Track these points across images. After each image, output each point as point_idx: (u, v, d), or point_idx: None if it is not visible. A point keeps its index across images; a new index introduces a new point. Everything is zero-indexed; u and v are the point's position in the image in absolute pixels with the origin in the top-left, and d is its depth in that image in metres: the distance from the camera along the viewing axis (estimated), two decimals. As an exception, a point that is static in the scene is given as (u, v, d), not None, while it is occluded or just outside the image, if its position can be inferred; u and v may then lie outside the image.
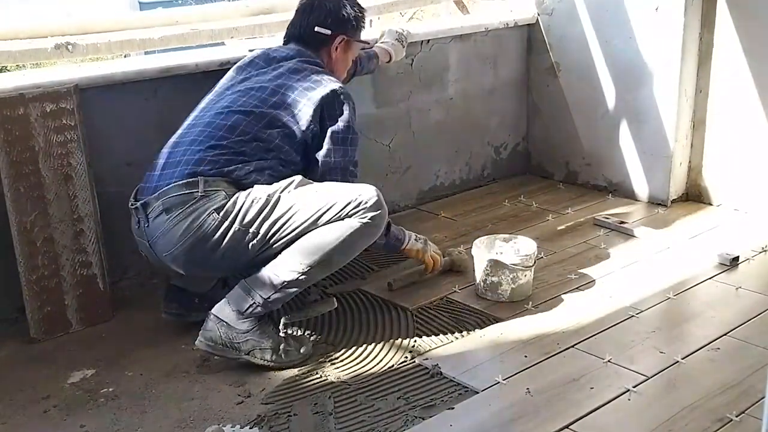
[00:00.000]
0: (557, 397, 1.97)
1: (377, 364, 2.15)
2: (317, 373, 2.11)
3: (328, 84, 2.26)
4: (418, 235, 2.56)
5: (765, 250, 2.80)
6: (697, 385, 2.00)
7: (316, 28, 2.35)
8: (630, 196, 3.38)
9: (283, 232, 2.08)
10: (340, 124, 2.25)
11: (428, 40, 3.26)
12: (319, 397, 2.00)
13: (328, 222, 2.08)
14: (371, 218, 2.11)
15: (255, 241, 2.08)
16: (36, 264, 2.29)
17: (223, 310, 2.11)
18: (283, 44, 2.44)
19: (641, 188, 3.35)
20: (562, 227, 3.09)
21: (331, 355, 2.20)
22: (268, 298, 2.09)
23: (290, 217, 2.08)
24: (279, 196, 2.09)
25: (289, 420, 1.91)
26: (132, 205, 2.17)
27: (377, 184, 3.19)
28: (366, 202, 2.11)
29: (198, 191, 2.08)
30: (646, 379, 2.03)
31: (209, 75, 2.61)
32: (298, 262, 2.07)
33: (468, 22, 3.49)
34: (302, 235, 2.08)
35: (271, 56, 2.35)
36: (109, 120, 2.49)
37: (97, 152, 2.43)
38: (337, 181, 2.24)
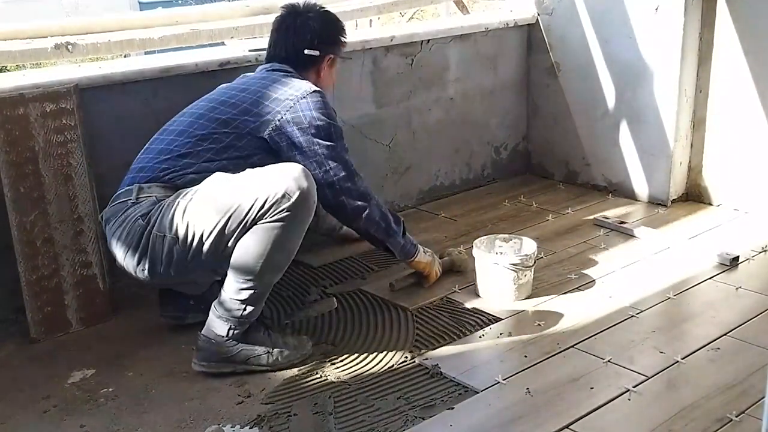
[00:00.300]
0: (557, 397, 1.96)
1: (377, 364, 2.15)
2: (317, 373, 2.11)
3: (293, 85, 2.21)
4: (426, 249, 2.53)
5: (765, 250, 2.79)
6: (697, 385, 2.00)
7: (306, 51, 2.31)
8: (630, 196, 3.38)
9: (198, 237, 2.01)
10: (319, 123, 2.17)
11: (428, 40, 3.26)
12: (319, 397, 2.00)
13: (238, 227, 1.98)
14: (287, 209, 1.96)
15: (176, 247, 2.02)
16: (36, 264, 2.29)
17: (209, 332, 2.09)
18: (266, 62, 2.38)
19: (641, 188, 3.35)
20: (562, 227, 3.09)
21: (331, 355, 2.20)
22: (241, 316, 2.06)
23: (198, 220, 2.00)
24: (191, 198, 2.02)
25: (289, 420, 1.90)
26: (99, 219, 2.21)
27: (377, 184, 3.24)
28: (275, 195, 1.95)
29: (130, 199, 2.08)
30: (646, 379, 2.03)
31: (209, 75, 2.62)
32: (244, 279, 2.01)
33: (468, 22, 3.49)
34: (222, 242, 2.00)
35: (244, 76, 2.36)
36: (109, 120, 2.49)
37: (97, 152, 2.43)
38: (341, 183, 2.20)
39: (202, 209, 2.01)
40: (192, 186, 2.08)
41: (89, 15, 2.99)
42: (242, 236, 2.00)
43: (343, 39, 2.42)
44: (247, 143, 2.15)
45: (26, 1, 7.78)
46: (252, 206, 1.97)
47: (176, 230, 2.02)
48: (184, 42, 2.77)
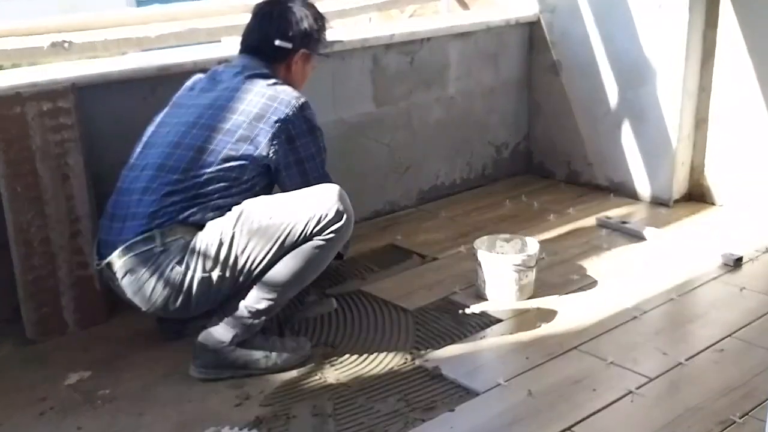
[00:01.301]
0: (559, 398, 1.95)
1: (377, 365, 2.13)
2: (316, 375, 2.09)
3: (282, 101, 2.11)
4: None
5: (768, 250, 2.78)
6: (701, 386, 1.99)
7: (277, 42, 2.19)
8: (632, 195, 3.36)
9: (249, 266, 2.02)
10: (308, 147, 2.14)
11: (429, 38, 3.24)
12: (318, 399, 1.98)
13: (293, 245, 2.01)
14: (335, 230, 2.02)
15: (225, 281, 2.03)
16: (32, 264, 2.27)
17: (208, 339, 2.08)
18: (239, 52, 2.29)
19: (644, 188, 3.33)
20: (564, 227, 3.07)
21: (331, 357, 2.18)
22: (250, 325, 2.06)
23: (252, 251, 2.01)
24: (233, 233, 2.01)
25: (288, 422, 1.89)
26: (97, 265, 2.10)
27: (377, 183, 3.22)
28: (326, 215, 2.01)
29: (156, 245, 2.00)
30: (649, 381, 2.01)
31: (208, 73, 2.60)
32: (272, 290, 2.03)
33: (469, 20, 3.47)
34: (271, 263, 2.02)
35: (217, 79, 2.21)
36: (106, 119, 2.47)
37: (95, 152, 2.41)
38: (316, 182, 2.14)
39: (252, 240, 2.01)
40: (214, 219, 2.04)
41: (86, 12, 2.97)
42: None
43: (321, 35, 2.29)
44: (250, 172, 2.10)
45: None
46: (306, 226, 2.01)
47: (224, 267, 2.01)
48: (181, 40, 2.76)
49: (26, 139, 2.22)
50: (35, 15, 3.22)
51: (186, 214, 2.03)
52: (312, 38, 2.26)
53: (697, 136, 3.24)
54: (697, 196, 3.30)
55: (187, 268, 2.00)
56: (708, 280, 2.59)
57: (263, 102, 2.11)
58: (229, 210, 2.05)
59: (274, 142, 2.09)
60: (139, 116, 2.51)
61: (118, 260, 2.02)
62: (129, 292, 2.06)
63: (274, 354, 2.10)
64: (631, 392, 1.96)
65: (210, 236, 2.01)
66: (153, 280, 2.01)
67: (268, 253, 2.01)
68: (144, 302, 2.05)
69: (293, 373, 2.10)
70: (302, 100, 2.14)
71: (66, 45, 2.48)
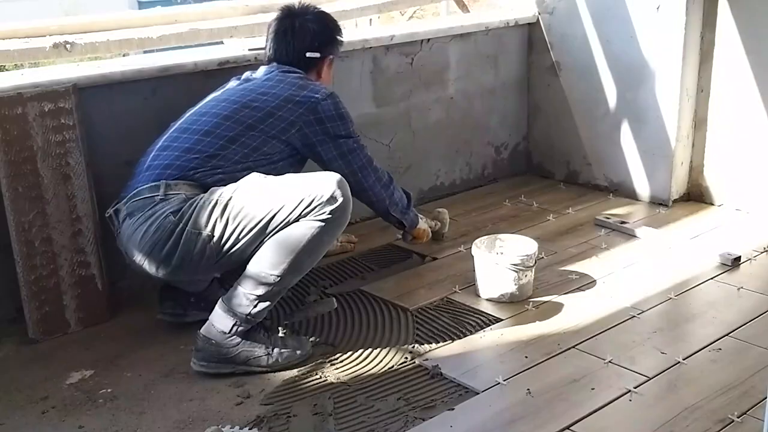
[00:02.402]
0: (558, 397, 1.96)
1: (377, 364, 2.14)
2: (317, 374, 2.10)
3: (312, 89, 2.27)
4: (420, 215, 2.73)
5: (767, 251, 2.79)
6: (699, 385, 2.00)
7: (308, 54, 2.35)
8: (631, 195, 3.37)
9: (237, 234, 2.03)
10: (338, 128, 2.29)
11: (428, 39, 3.25)
12: (318, 398, 1.99)
13: (281, 224, 2.02)
14: (330, 212, 2.02)
15: (211, 244, 2.04)
16: (34, 264, 2.28)
17: (210, 330, 2.09)
18: (267, 64, 2.41)
19: (642, 188, 3.34)
20: (563, 227, 3.08)
21: (331, 356, 2.19)
22: (249, 314, 2.07)
23: (241, 220, 2.03)
24: (231, 196, 2.05)
25: (289, 421, 1.90)
26: (107, 214, 2.17)
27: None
28: (321, 197, 2.02)
29: (158, 195, 2.07)
30: (647, 380, 2.02)
31: (208, 74, 2.61)
32: (268, 273, 2.03)
33: (468, 21, 3.48)
34: (260, 237, 2.04)
35: (250, 79, 2.34)
36: (107, 119, 2.48)
37: (96, 152, 2.42)
38: (368, 176, 2.36)
39: (244, 208, 2.03)
40: (221, 185, 2.09)
41: (88, 14, 2.98)
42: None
43: (340, 39, 2.46)
44: (273, 146, 2.21)
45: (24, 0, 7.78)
46: (298, 204, 2.02)
47: (213, 228, 2.03)
48: (183, 41, 2.77)
49: (28, 139, 2.23)
50: (37, 16, 3.23)
51: (196, 171, 2.12)
52: (335, 43, 2.44)
53: (696, 137, 3.25)
54: (695, 196, 3.31)
55: (180, 220, 2.04)
56: (706, 279, 2.59)
57: (293, 90, 2.25)
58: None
59: (301, 120, 2.22)
60: (140, 117, 2.53)
61: (123, 206, 2.11)
62: (124, 238, 2.11)
63: (275, 351, 2.11)
64: (629, 391, 1.97)
65: (208, 196, 2.07)
66: (146, 224, 2.05)
67: (256, 226, 2.02)
68: (134, 247, 2.09)
69: (294, 372, 2.11)
70: (331, 90, 2.30)
71: (68, 46, 2.49)
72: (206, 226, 2.04)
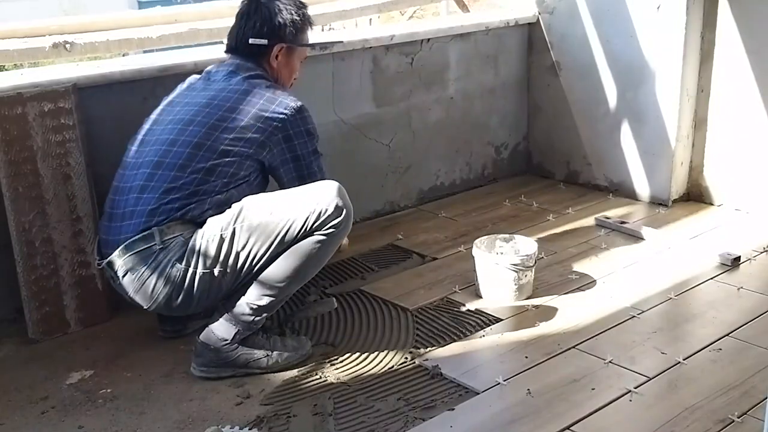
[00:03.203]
0: (558, 398, 1.96)
1: (377, 364, 2.14)
2: (317, 374, 2.10)
3: (280, 103, 2.12)
4: None
5: (766, 251, 2.79)
6: (699, 385, 1.99)
7: (251, 40, 2.17)
8: (631, 195, 3.37)
9: (250, 262, 2.01)
10: (305, 146, 2.15)
11: (428, 39, 3.25)
12: (318, 398, 1.99)
13: (293, 239, 2.00)
14: (335, 225, 2.01)
15: (226, 278, 2.02)
16: (34, 264, 2.28)
17: (209, 337, 2.08)
18: (225, 52, 2.27)
19: (642, 188, 3.34)
20: (563, 227, 3.08)
21: (331, 356, 2.19)
22: (251, 321, 2.07)
23: (252, 247, 2.00)
24: (233, 229, 2.01)
25: (289, 421, 1.90)
26: (98, 264, 2.11)
27: (377, 183, 3.22)
28: (326, 210, 2.00)
29: (155, 243, 2.00)
30: (648, 380, 2.02)
31: (208, 74, 2.60)
32: (273, 286, 2.04)
33: (469, 21, 3.48)
34: (273, 257, 2.02)
35: (211, 78, 2.20)
36: (107, 119, 2.48)
37: (96, 152, 2.42)
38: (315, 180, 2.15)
39: (251, 237, 2.00)
40: (214, 214, 2.04)
41: (87, 14, 2.98)
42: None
43: (295, 26, 2.21)
44: (248, 167, 2.11)
45: (24, -1, 7.78)
46: (306, 222, 2.00)
47: (225, 263, 2.01)
48: (182, 41, 2.77)
49: (27, 139, 2.23)
50: (37, 16, 3.23)
51: (184, 210, 2.03)
52: (286, 30, 2.20)
53: (696, 137, 3.24)
54: (695, 196, 3.31)
55: (188, 265, 2.01)
56: (706, 279, 2.59)
57: (261, 102, 2.11)
58: (228, 206, 2.05)
59: (271, 140, 2.10)
60: (139, 116, 2.52)
61: (118, 259, 2.03)
62: (130, 291, 2.06)
63: (275, 353, 2.11)
64: (629, 391, 1.97)
65: (210, 233, 2.01)
66: (154, 277, 2.01)
67: (269, 248, 2.01)
68: (146, 300, 2.06)
69: (294, 372, 2.11)
70: (300, 103, 2.15)
71: (67, 46, 2.49)
72: (217, 263, 2.00)
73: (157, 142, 2.11)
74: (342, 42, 2.90)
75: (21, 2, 7.69)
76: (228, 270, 2.02)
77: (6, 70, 2.68)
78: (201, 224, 2.04)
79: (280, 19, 2.18)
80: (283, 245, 2.02)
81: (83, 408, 1.99)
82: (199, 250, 2.01)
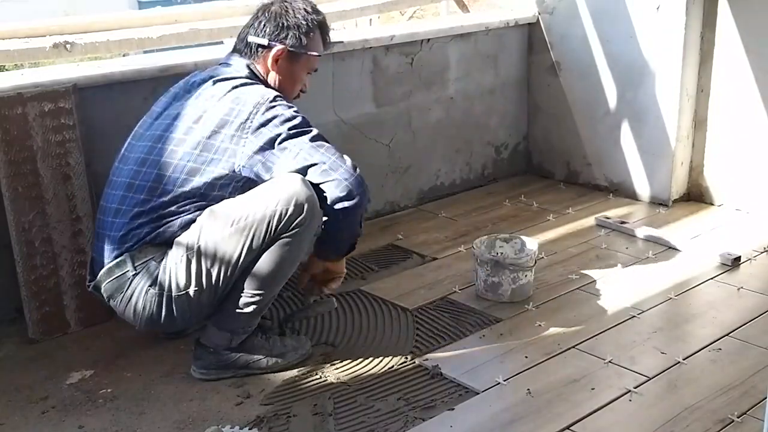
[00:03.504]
0: (558, 397, 1.96)
1: (377, 364, 2.14)
2: (317, 374, 2.10)
3: (246, 101, 1.98)
4: None
5: (767, 251, 2.79)
6: (699, 385, 2.00)
7: (250, 38, 2.09)
8: (631, 196, 3.37)
9: (224, 275, 1.97)
10: (277, 127, 1.96)
11: (428, 39, 3.25)
12: (318, 398, 1.99)
13: (261, 246, 1.95)
14: (298, 224, 1.94)
15: (203, 296, 1.99)
16: (34, 264, 2.28)
17: (207, 341, 2.08)
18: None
19: (642, 188, 3.34)
20: (563, 227, 3.08)
21: (331, 356, 2.19)
22: (243, 327, 2.06)
23: (221, 262, 1.96)
24: (198, 247, 1.95)
25: (289, 421, 1.90)
26: (88, 287, 2.11)
27: (377, 183, 3.22)
28: (287, 211, 1.92)
29: (128, 270, 1.98)
30: (647, 380, 2.02)
31: (208, 74, 2.60)
32: (255, 292, 2.01)
33: (469, 21, 3.48)
34: (247, 266, 1.98)
35: (191, 81, 2.12)
36: (107, 119, 2.48)
37: (96, 152, 2.42)
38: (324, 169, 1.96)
39: (217, 250, 1.96)
40: (182, 233, 1.99)
41: (88, 14, 2.98)
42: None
43: (301, 31, 2.09)
44: (222, 183, 2.00)
45: (24, 0, 7.78)
46: (269, 227, 1.94)
47: (198, 281, 1.98)
48: (183, 41, 2.77)
49: (27, 139, 2.23)
50: (37, 16, 3.23)
51: (154, 235, 1.99)
52: (290, 33, 2.08)
53: (696, 137, 3.25)
54: (695, 196, 3.31)
55: (162, 289, 1.98)
56: (706, 279, 2.59)
57: (228, 107, 1.99)
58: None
59: (242, 146, 1.96)
60: (139, 117, 2.51)
61: (102, 284, 2.04)
62: (118, 313, 2.09)
63: (274, 353, 2.11)
64: (629, 391, 1.97)
65: (177, 254, 1.97)
66: (132, 303, 2.01)
67: (238, 260, 1.96)
68: (133, 322, 2.07)
69: (294, 372, 2.11)
70: (269, 95, 1.99)
71: (68, 46, 2.49)
72: (189, 283, 1.97)
73: (132, 160, 2.05)
74: (342, 42, 2.89)
75: (22, 2, 7.70)
76: (204, 288, 1.99)
77: (6, 70, 2.68)
78: (173, 244, 2.00)
79: (286, 21, 2.08)
80: (253, 253, 1.97)
81: (83, 408, 1.99)
82: (170, 274, 1.98)
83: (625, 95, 3.29)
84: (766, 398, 1.85)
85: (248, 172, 1.99)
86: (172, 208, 2.00)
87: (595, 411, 1.90)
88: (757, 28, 2.98)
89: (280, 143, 1.97)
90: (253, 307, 2.03)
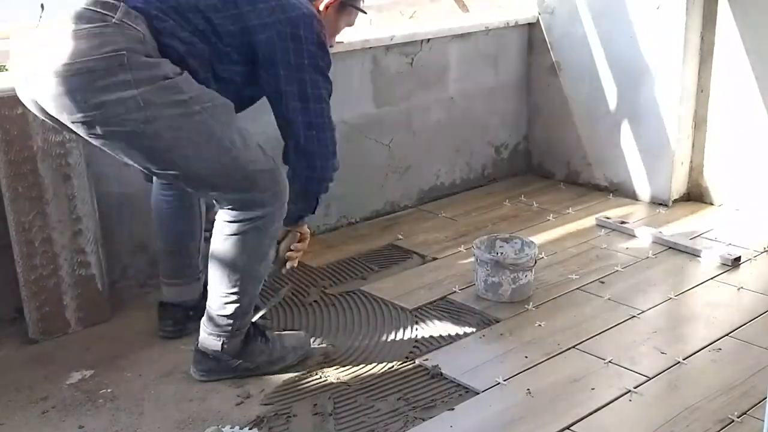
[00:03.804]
0: (558, 397, 1.96)
1: (377, 364, 2.14)
2: (317, 374, 2.10)
3: (297, 5, 1.93)
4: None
5: (766, 250, 2.79)
6: (699, 385, 2.00)
7: None
8: (631, 196, 3.37)
9: (173, 149, 1.79)
10: (315, 59, 1.92)
11: (428, 39, 3.25)
12: (318, 398, 1.99)
13: (217, 180, 1.83)
14: (266, 213, 1.88)
15: (138, 133, 1.75)
16: (34, 264, 2.28)
17: (205, 347, 2.04)
18: None
19: (642, 188, 3.34)
20: (563, 227, 3.08)
21: (331, 356, 2.19)
22: (231, 331, 2.01)
23: (183, 151, 1.79)
24: (199, 111, 1.77)
25: (289, 421, 1.90)
26: None
27: (377, 183, 3.23)
28: (252, 200, 1.86)
29: (113, 16, 1.74)
30: (647, 380, 2.02)
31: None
32: (226, 293, 1.96)
33: (469, 21, 3.48)
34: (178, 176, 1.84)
35: None
36: (107, 119, 2.47)
37: (96, 152, 2.40)
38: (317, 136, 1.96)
39: (180, 141, 1.79)
40: (172, 59, 1.79)
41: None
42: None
43: None
44: (239, 44, 1.89)
45: None
46: (233, 194, 1.86)
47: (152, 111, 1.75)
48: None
49: (27, 139, 2.23)
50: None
51: (161, 21, 1.79)
52: None
53: (696, 137, 3.25)
54: (695, 196, 3.31)
55: (127, 69, 1.71)
56: (706, 279, 2.59)
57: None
58: (195, 62, 1.82)
59: (276, 28, 1.88)
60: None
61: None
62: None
63: (274, 355, 2.10)
64: (629, 391, 1.97)
65: (182, 88, 1.77)
66: (92, 42, 1.73)
67: (186, 162, 1.80)
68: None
69: (294, 372, 2.11)
70: (319, 17, 1.97)
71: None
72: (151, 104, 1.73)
73: None
74: (342, 42, 2.90)
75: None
76: (151, 120, 1.74)
77: (6, 70, 2.67)
78: (161, 48, 1.80)
79: None
80: (196, 171, 1.82)
81: (83, 408, 1.99)
82: (151, 75, 1.76)
83: (625, 95, 3.29)
84: (766, 398, 1.85)
85: (271, 56, 1.91)
86: (188, 16, 1.84)
87: (595, 411, 1.90)
88: (757, 28, 2.98)
89: (303, 69, 1.92)
90: (233, 307, 1.97)
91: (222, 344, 2.03)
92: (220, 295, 1.98)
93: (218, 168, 1.84)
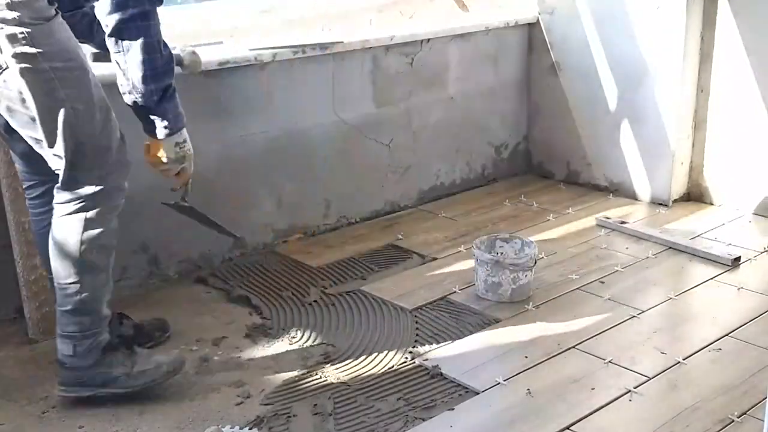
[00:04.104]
0: (558, 397, 1.96)
1: (377, 364, 2.14)
2: (317, 374, 2.10)
3: None
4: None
5: (766, 251, 2.79)
6: (699, 385, 2.00)
7: None
8: (631, 196, 3.37)
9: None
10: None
11: (428, 39, 3.25)
12: (318, 398, 1.99)
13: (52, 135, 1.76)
14: (90, 196, 1.84)
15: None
16: (34, 264, 2.27)
17: (59, 353, 1.96)
18: None
19: (642, 188, 3.34)
20: (563, 227, 3.08)
21: (331, 356, 2.19)
22: (80, 331, 1.92)
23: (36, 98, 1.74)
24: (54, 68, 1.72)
25: (289, 421, 1.90)
26: None
27: (377, 183, 3.23)
28: (82, 184, 1.81)
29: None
30: (648, 380, 2.02)
31: (208, 75, 2.61)
32: (64, 284, 1.89)
33: (469, 21, 3.48)
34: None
35: None
36: (107, 119, 2.47)
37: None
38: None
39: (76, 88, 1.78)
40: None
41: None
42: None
43: None
44: None
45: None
46: (64, 157, 1.80)
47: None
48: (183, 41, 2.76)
49: (28, 139, 2.23)
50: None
51: None
52: None
53: (696, 137, 3.25)
54: (695, 196, 3.31)
55: None
56: (706, 279, 2.59)
57: None
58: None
59: None
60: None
61: None
62: None
63: (135, 370, 1.96)
64: (629, 391, 1.97)
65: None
66: None
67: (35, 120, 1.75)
68: None
69: (294, 372, 2.11)
70: None
71: (68, 46, 2.48)
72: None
73: None
74: (342, 42, 2.90)
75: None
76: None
77: None
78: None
79: None
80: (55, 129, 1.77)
81: (83, 408, 1.98)
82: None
83: (625, 95, 3.30)
84: (766, 398, 1.85)
85: None
86: None
87: (595, 411, 1.90)
88: (757, 27, 2.98)
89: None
90: (74, 300, 1.88)
91: (73, 347, 1.92)
92: (60, 286, 1.91)
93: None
